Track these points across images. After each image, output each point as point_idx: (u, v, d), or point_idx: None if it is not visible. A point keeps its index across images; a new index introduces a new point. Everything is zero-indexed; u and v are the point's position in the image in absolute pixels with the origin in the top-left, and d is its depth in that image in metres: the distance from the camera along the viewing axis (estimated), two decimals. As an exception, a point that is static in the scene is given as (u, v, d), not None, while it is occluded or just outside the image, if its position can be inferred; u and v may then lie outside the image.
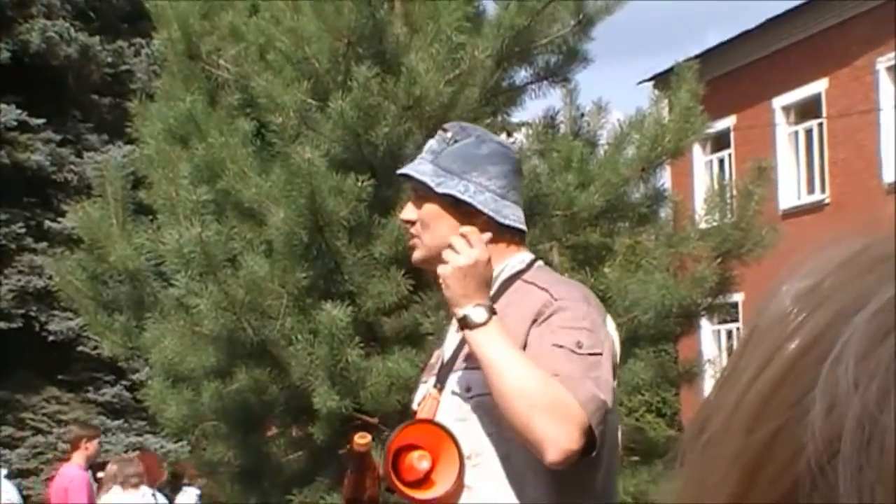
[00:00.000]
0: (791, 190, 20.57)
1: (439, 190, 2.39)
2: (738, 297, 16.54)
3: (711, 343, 20.42)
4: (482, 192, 2.39)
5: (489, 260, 2.27)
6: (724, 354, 21.30)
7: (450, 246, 2.28)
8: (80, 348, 18.52)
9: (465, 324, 2.23)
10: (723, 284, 5.52)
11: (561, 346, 2.22)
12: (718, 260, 5.33)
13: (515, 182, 2.49)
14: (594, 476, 2.28)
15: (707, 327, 19.33)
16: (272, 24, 5.38)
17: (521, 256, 2.46)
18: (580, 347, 2.22)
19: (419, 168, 2.43)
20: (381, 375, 4.76)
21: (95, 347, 17.86)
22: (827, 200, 20.60)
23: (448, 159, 2.42)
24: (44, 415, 18.52)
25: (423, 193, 2.42)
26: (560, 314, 2.27)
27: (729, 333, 22.32)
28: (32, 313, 18.57)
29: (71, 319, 17.73)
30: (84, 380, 18.97)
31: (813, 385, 0.40)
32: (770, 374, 0.42)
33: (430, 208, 2.41)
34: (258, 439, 5.36)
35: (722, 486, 0.42)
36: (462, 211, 2.39)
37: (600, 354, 2.25)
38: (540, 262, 2.52)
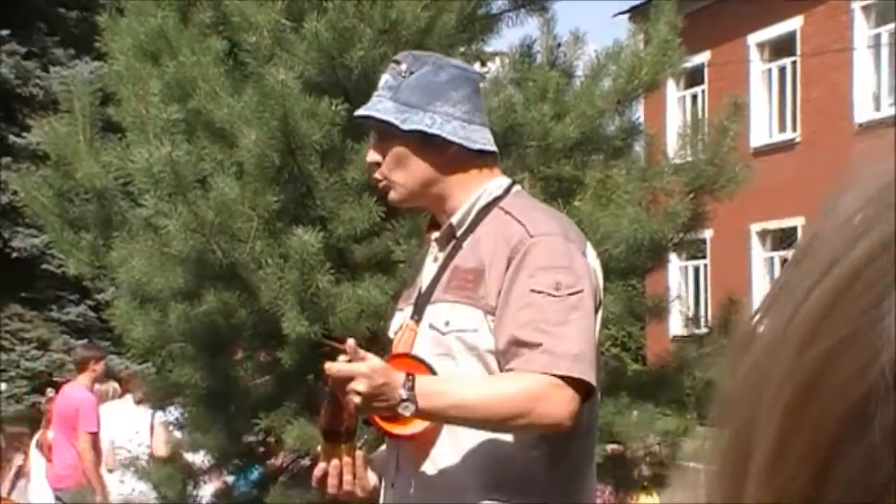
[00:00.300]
0: (763, 127, 20.59)
1: (405, 127, 2.32)
2: (706, 234, 16.65)
3: (678, 278, 20.55)
4: (449, 121, 2.34)
5: (370, 373, 2.14)
6: (692, 291, 21.49)
7: (348, 391, 2.17)
8: (44, 266, 18.40)
9: (405, 418, 2.20)
10: (694, 220, 5.52)
11: (539, 291, 2.19)
12: (691, 195, 5.32)
13: (479, 103, 2.43)
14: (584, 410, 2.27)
15: (675, 263, 19.43)
16: (247, -59, 5.26)
17: (498, 181, 2.40)
18: (558, 289, 2.19)
19: (379, 107, 2.36)
20: (351, 302, 4.73)
21: (60, 265, 17.76)
22: (798, 139, 20.65)
23: (408, 93, 2.34)
24: (6, 332, 18.43)
25: (388, 132, 2.35)
26: (536, 252, 2.22)
27: (696, 269, 22.48)
28: (-4, 229, 18.41)
29: (35, 237, 17.60)
30: (48, 298, 18.88)
31: (889, 290, 0.38)
32: (835, 281, 0.39)
33: (398, 147, 2.35)
34: (225, 362, 5.34)
35: (778, 399, 0.40)
36: (432, 144, 2.33)
37: (581, 292, 2.21)
38: (518, 188, 2.46)
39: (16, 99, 18.72)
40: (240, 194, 4.79)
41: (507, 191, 2.39)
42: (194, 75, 4.99)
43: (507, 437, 2.25)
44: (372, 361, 2.17)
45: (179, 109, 5.02)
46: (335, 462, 2.37)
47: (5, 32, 18.62)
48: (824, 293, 0.40)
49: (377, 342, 5.27)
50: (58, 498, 8.54)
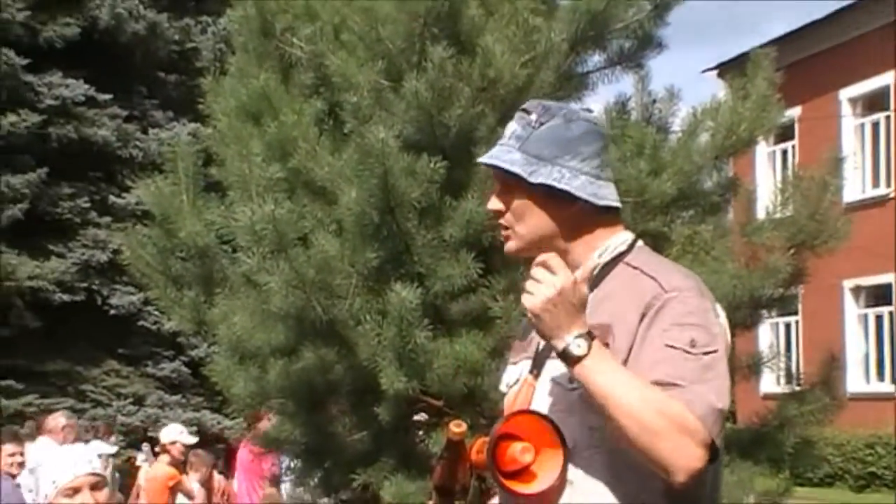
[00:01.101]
0: (856, 183, 20.28)
1: (533, 180, 2.28)
2: (798, 290, 16.38)
3: (769, 335, 20.23)
4: (577, 177, 2.29)
5: (575, 283, 2.13)
6: (782, 346, 21.12)
7: (531, 277, 2.16)
8: (140, 322, 18.77)
9: (564, 357, 2.13)
10: (794, 276, 5.45)
11: (674, 347, 2.11)
12: (791, 251, 5.26)
13: (607, 158, 2.38)
14: (705, 477, 2.17)
15: (766, 320, 19.04)
16: (346, 4, 5.37)
17: (622, 236, 2.34)
18: (694, 346, 2.11)
19: (507, 157, 2.31)
20: (448, 358, 4.75)
21: (156, 322, 18.09)
22: (892, 195, 20.30)
23: (538, 145, 2.29)
24: (104, 387, 18.79)
25: (513, 183, 2.31)
26: (671, 308, 2.15)
27: (787, 326, 22.10)
28: (95, 287, 18.84)
29: (132, 294, 17.96)
30: (143, 354, 19.23)
31: None
32: None
33: (523, 199, 2.31)
34: (323, 418, 5.38)
35: None
36: (557, 198, 2.29)
37: (715, 352, 2.13)
38: (641, 243, 2.38)
39: (116, 160, 19.23)
40: (339, 251, 4.85)
41: (632, 246, 2.33)
42: (295, 135, 5.09)
43: (631, 499, 2.17)
44: (585, 287, 2.15)
45: (281, 168, 5.12)
46: None
47: (108, 97, 19.18)
48: None
49: (473, 398, 5.30)
50: None
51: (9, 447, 7.87)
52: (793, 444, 5.67)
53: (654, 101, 5.82)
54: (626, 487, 2.18)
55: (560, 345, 2.13)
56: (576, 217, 2.32)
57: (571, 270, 2.32)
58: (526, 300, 2.16)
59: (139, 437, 16.96)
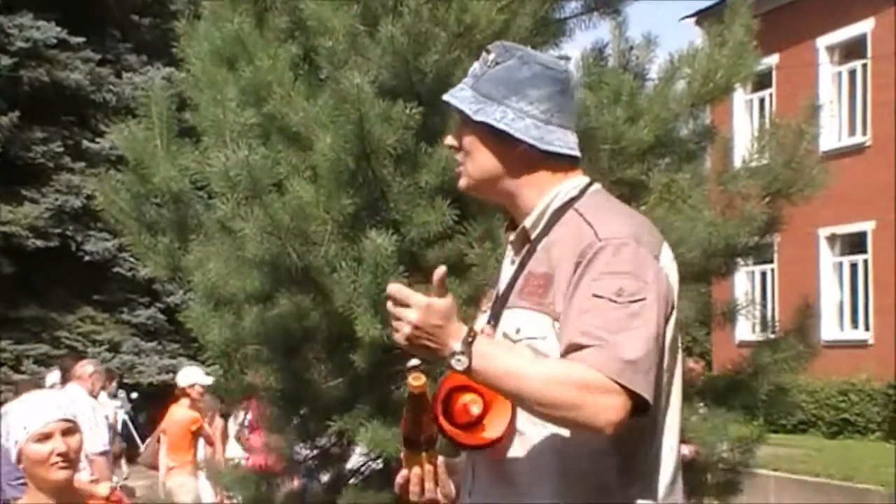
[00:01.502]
0: (832, 131, 20.31)
1: (476, 118, 2.30)
2: (774, 238, 16.46)
3: (745, 283, 20.35)
4: (522, 119, 2.29)
5: (429, 306, 2.10)
6: (758, 294, 21.25)
7: (389, 313, 2.15)
8: (115, 269, 18.70)
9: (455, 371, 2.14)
10: (769, 224, 5.47)
11: (601, 297, 2.12)
12: (767, 199, 5.27)
13: (563, 104, 2.35)
14: (654, 419, 2.22)
15: (742, 267, 19.15)
16: (322, -53, 5.30)
17: (575, 181, 2.34)
18: (621, 295, 2.12)
19: (459, 94, 2.35)
20: (424, 304, 4.73)
21: (131, 269, 18.03)
22: (868, 143, 20.35)
23: (488, 84, 2.31)
24: (79, 334, 18.74)
25: (464, 120, 2.34)
26: (602, 257, 2.16)
27: (763, 274, 22.23)
28: (69, 233, 18.72)
29: (107, 240, 17.88)
30: (119, 300, 19.17)
31: None
32: None
33: (469, 137, 2.34)
34: (299, 365, 5.37)
35: None
36: (500, 139, 2.30)
37: (644, 299, 2.13)
38: (597, 187, 2.37)
39: (90, 105, 19.03)
40: (314, 198, 4.82)
41: (584, 191, 2.33)
42: (270, 80, 5.04)
43: (579, 445, 2.19)
44: (440, 300, 2.12)
45: (255, 114, 5.07)
46: (416, 470, 2.36)
47: (80, 40, 18.95)
48: None
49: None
50: None
51: None
52: (766, 391, 5.72)
53: (632, 49, 5.79)
54: (573, 436, 2.19)
55: (446, 363, 2.13)
56: (520, 159, 2.33)
57: (522, 215, 2.33)
58: (395, 338, 2.16)
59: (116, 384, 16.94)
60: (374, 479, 5.37)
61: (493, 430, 2.26)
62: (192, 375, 9.86)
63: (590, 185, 2.36)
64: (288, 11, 5.29)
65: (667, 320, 2.21)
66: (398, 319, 2.13)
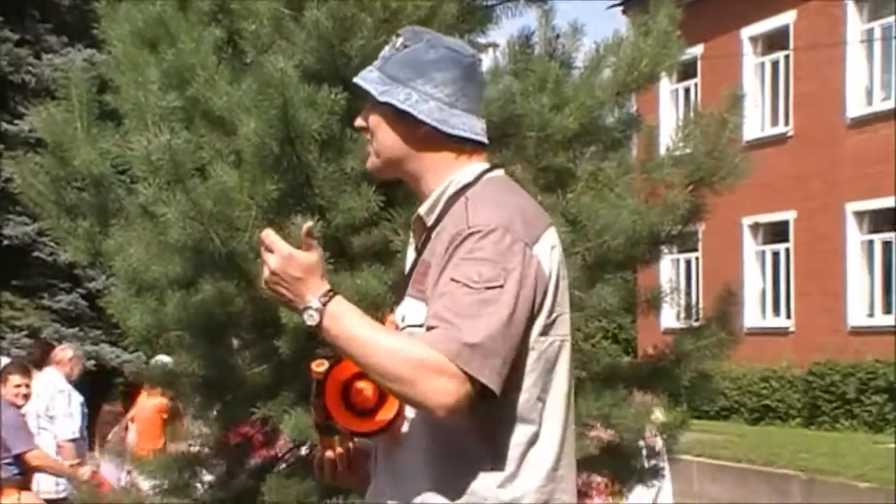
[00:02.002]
0: (755, 121, 20.60)
1: (381, 98, 2.33)
2: (698, 227, 16.66)
3: (670, 271, 20.58)
4: (426, 101, 2.31)
5: (290, 257, 2.18)
6: (683, 282, 21.51)
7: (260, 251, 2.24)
8: (35, 253, 18.35)
9: (306, 326, 2.19)
10: (692, 212, 5.52)
11: (457, 281, 2.15)
12: (690, 187, 5.32)
13: (468, 89, 2.36)
14: (515, 399, 2.22)
15: (667, 256, 19.33)
16: (247, -71, 5.24)
17: (472, 168, 2.35)
18: (476, 282, 2.14)
19: (367, 75, 2.37)
20: (349, 291, 4.70)
21: (52, 253, 17.72)
22: (790, 133, 20.68)
23: (395, 66, 2.34)
24: (-2, 320, 18.35)
25: (373, 102, 2.36)
26: (467, 244, 2.18)
27: (688, 262, 22.50)
28: (-13, 217, 18.32)
29: (27, 224, 17.54)
30: (39, 286, 18.83)
31: None
32: None
33: (374, 117, 2.36)
34: (222, 351, 5.32)
35: None
36: (404, 121, 2.32)
37: (500, 287, 2.14)
38: (495, 174, 2.38)
39: (8, 86, 18.65)
40: (238, 183, 4.77)
41: (479, 178, 2.34)
42: (193, 63, 4.97)
43: (447, 429, 2.20)
44: (304, 254, 2.19)
45: (178, 97, 5.01)
46: (329, 453, 2.39)
47: (-2, 19, 18.54)
48: None
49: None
50: None
51: (15, 378, 7.93)
52: (689, 378, 5.78)
53: (558, 37, 5.81)
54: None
55: (302, 316, 2.17)
56: (422, 141, 2.34)
57: (424, 196, 2.35)
58: (263, 279, 2.24)
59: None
60: (299, 465, 5.34)
61: (382, 416, 2.28)
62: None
63: (487, 171, 2.37)
64: (212, -6, 5.22)
65: (538, 308, 2.22)
66: (264, 263, 2.21)
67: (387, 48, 2.40)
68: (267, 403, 5.03)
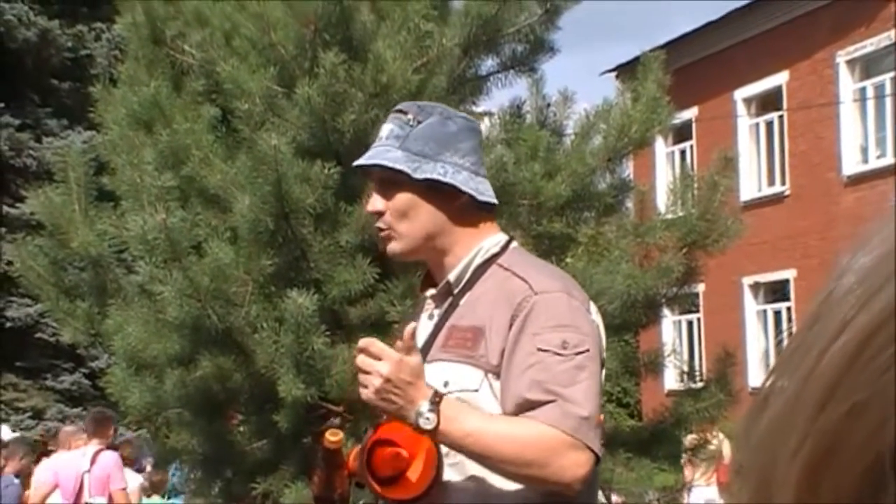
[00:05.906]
0: (752, 182, 20.71)
1: (417, 176, 2.29)
2: (699, 288, 16.67)
3: (672, 333, 20.54)
4: (459, 172, 2.32)
5: (400, 361, 2.12)
6: (685, 345, 21.48)
7: (358, 368, 2.17)
8: (38, 335, 18.36)
9: (420, 431, 2.15)
10: (687, 274, 5.55)
11: (545, 350, 2.16)
12: (684, 250, 5.36)
13: (482, 155, 2.44)
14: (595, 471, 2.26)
15: (668, 317, 19.38)
16: (237, 10, 5.34)
17: (496, 238, 2.38)
18: (566, 348, 2.16)
19: (388, 156, 2.31)
20: (346, 364, 4.72)
21: (54, 334, 17.72)
22: (787, 192, 20.77)
23: (417, 142, 2.31)
24: (1, 402, 18.31)
25: (395, 181, 2.31)
26: (541, 310, 2.19)
27: (689, 324, 22.48)
28: (-10, 299, 18.36)
29: (29, 306, 17.57)
30: (42, 367, 18.81)
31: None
32: (847, 344, 0.41)
33: (406, 196, 2.31)
34: (222, 427, 5.33)
35: (796, 457, 0.42)
36: (442, 193, 2.31)
37: (588, 351, 2.18)
38: (515, 244, 2.43)
39: (9, 170, 18.79)
40: (234, 259, 4.82)
41: (505, 248, 2.37)
42: (187, 143, 5.04)
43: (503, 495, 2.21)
44: (412, 357, 2.13)
45: (173, 177, 5.07)
46: None
47: (-1, 105, 18.74)
48: (837, 356, 0.41)
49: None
50: None
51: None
52: (690, 441, 5.77)
53: (549, 105, 5.89)
54: (499, 486, 2.21)
55: (411, 423, 2.14)
56: (460, 212, 2.35)
57: (446, 270, 2.35)
58: (362, 393, 2.17)
59: (39, 452, 16.58)
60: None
61: (418, 483, 2.24)
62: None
63: (510, 241, 2.41)
64: (205, 74, 5.31)
65: (601, 371, 2.28)
66: (367, 374, 2.14)
67: (395, 126, 2.36)
68: (267, 478, 5.02)
